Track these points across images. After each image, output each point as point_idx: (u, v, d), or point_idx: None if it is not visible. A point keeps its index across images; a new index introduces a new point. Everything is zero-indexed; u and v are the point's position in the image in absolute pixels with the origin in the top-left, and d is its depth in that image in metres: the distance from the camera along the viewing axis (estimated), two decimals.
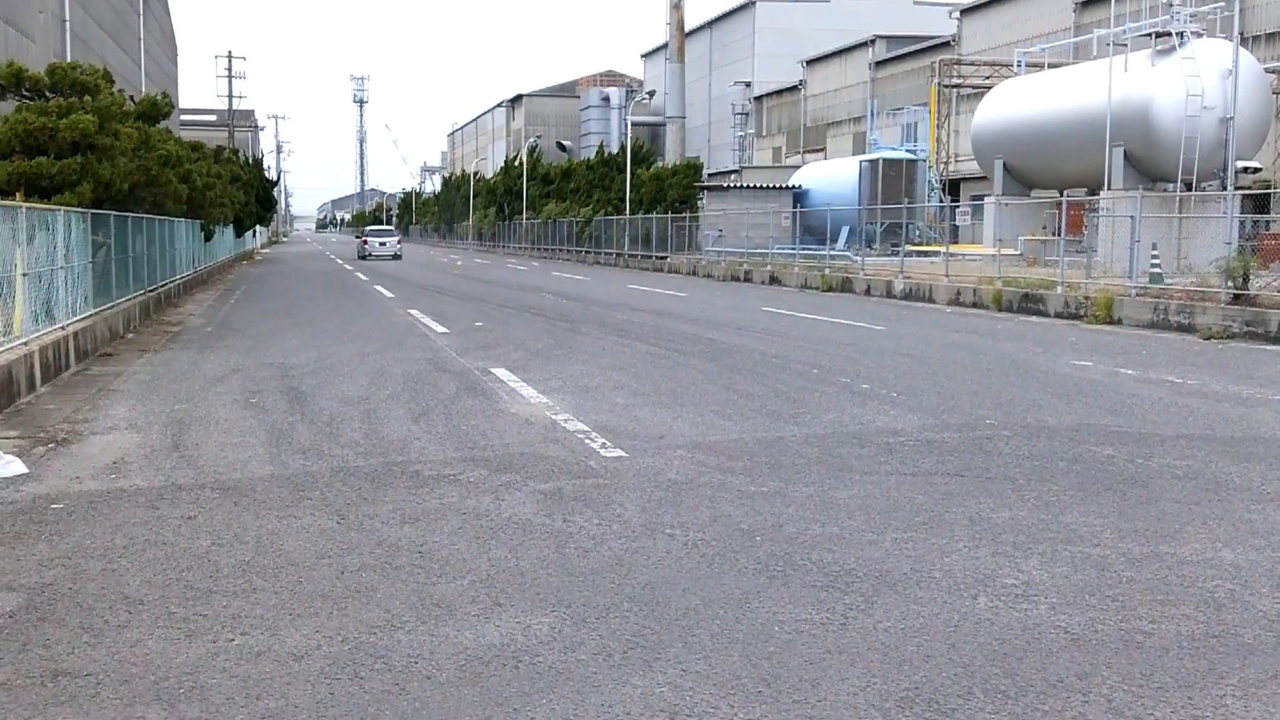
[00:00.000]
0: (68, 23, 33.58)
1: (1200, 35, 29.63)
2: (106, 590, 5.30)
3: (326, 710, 4.01)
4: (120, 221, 18.88)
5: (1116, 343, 16.98)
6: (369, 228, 77.89)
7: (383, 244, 62.21)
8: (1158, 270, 21.44)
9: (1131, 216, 21.98)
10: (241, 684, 4.22)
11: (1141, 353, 15.49)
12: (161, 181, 22.66)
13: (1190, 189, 27.58)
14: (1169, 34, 29.29)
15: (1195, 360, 14.65)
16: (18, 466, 7.82)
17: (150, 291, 22.19)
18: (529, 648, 4.57)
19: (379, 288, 31.90)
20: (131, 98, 25.05)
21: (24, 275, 11.99)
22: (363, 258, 59.69)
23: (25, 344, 11.62)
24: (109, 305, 17.20)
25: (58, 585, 5.37)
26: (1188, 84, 28.31)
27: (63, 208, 14.90)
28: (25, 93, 19.80)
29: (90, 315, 15.44)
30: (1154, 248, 21.88)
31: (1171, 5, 29.46)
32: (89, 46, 36.10)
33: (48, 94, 19.67)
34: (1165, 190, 28.23)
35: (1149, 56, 29.76)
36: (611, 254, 55.24)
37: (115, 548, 5.99)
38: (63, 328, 13.51)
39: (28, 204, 13.48)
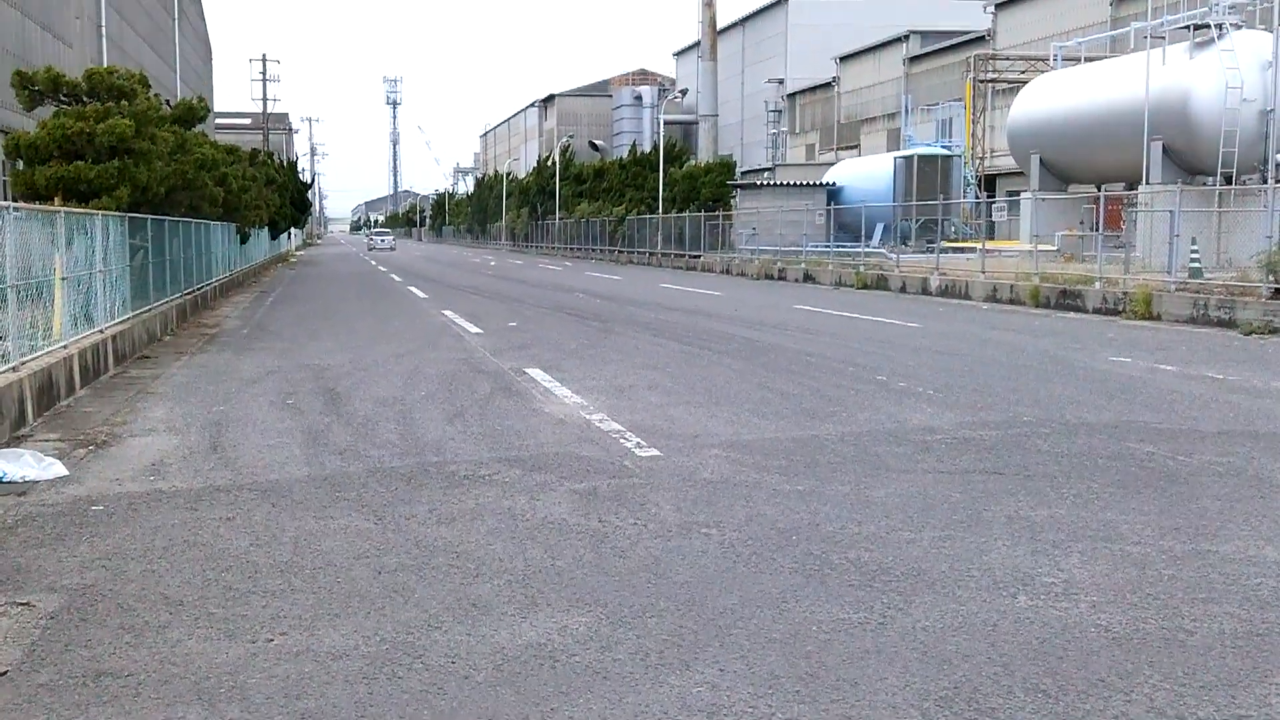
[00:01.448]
0: (104, 28, 33.92)
1: (1239, 27, 29.28)
2: (147, 591, 5.34)
3: (365, 710, 4.02)
4: (157, 225, 19.03)
5: (1156, 338, 16.83)
6: (374, 229, 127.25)
7: (383, 240, 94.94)
8: (1197, 265, 21.20)
9: (1170, 211, 21.78)
10: (281, 684, 4.24)
11: (1181, 348, 15.33)
12: (197, 185, 22.85)
13: (1230, 182, 27.24)
14: (1207, 26, 28.96)
15: (1236, 356, 14.49)
16: (58, 469, 7.89)
17: (187, 294, 22.36)
18: (566, 647, 4.57)
19: (413, 289, 32.03)
20: (167, 102, 25.28)
21: (63, 279, 12.11)
22: (370, 249, 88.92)
23: (65, 347, 11.73)
24: (146, 308, 17.34)
25: (99, 586, 5.42)
26: (1227, 76, 27.97)
27: (100, 212, 15.03)
28: (63, 98, 20.01)
29: (128, 318, 15.58)
30: (1193, 242, 21.64)
31: None
32: (125, 51, 36.44)
33: (85, 99, 19.88)
34: (1204, 184, 27.92)
35: (1187, 49, 29.43)
36: (644, 253, 55.25)
37: (155, 549, 6.03)
38: (101, 331, 13.63)
39: (66, 208, 13.61)
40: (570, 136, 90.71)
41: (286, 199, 52.61)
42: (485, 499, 7.03)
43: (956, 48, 58.85)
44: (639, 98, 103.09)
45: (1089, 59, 37.03)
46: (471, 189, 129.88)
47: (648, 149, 70.84)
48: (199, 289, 24.52)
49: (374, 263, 58.42)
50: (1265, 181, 25.89)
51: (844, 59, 72.61)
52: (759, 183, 54.04)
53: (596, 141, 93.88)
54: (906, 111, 60.12)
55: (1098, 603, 5.06)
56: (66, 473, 7.86)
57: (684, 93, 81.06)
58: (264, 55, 73.78)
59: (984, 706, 3.99)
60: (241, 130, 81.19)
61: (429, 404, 10.80)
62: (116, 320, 14.79)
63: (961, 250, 33.85)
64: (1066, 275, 24.21)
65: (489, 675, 4.31)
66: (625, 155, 69.76)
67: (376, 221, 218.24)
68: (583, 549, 5.93)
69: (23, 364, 10.10)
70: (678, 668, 4.35)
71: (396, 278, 39.75)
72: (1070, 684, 4.18)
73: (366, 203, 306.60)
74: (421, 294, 29.49)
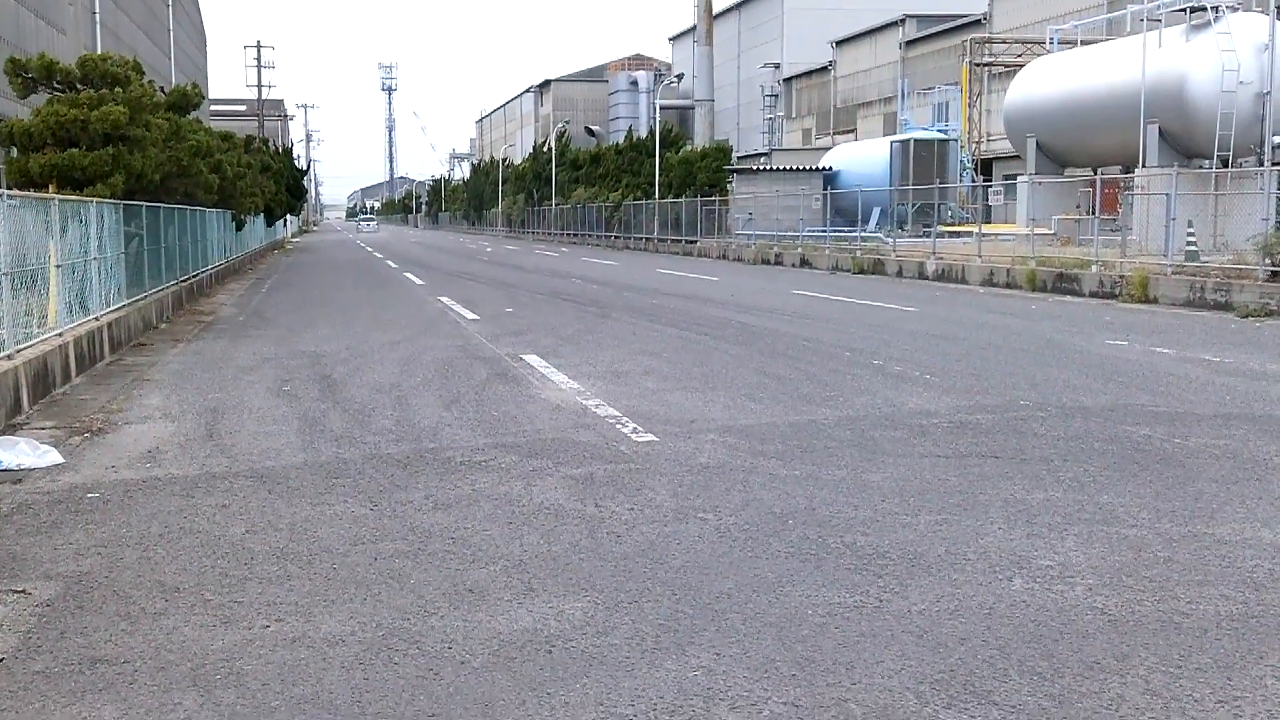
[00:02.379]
0: (97, 15, 33.81)
1: (1235, 9, 29.22)
2: (143, 578, 5.34)
3: (361, 695, 4.02)
4: (152, 212, 18.98)
5: (1152, 322, 16.83)
6: (361, 217, 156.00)
7: (368, 225, 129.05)
8: (1193, 248, 21.20)
9: (1167, 194, 21.77)
10: (277, 670, 4.24)
11: (1178, 331, 15.33)
12: (192, 172, 22.80)
13: (1226, 165, 27.23)
14: (1204, 8, 28.89)
15: (1232, 339, 14.50)
16: (54, 456, 7.88)
17: (183, 281, 22.32)
18: (562, 633, 4.57)
19: (409, 275, 31.99)
20: (162, 89, 25.21)
21: (57, 267, 12.08)
22: (359, 231, 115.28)
23: (60, 335, 11.71)
24: (142, 296, 17.31)
25: (94, 573, 5.41)
26: (1223, 59, 27.92)
27: (95, 199, 15.00)
28: (56, 85, 19.94)
29: (124, 306, 15.55)
30: (1190, 225, 21.64)
31: None
32: (119, 38, 36.33)
33: (79, 86, 19.82)
34: (1201, 167, 27.90)
35: (1183, 32, 29.38)
36: (641, 239, 55.19)
37: (151, 536, 6.03)
38: (96, 318, 13.61)
39: (60, 196, 13.57)
40: (566, 122, 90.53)
41: (282, 186, 52.49)
42: (481, 485, 7.03)
43: (953, 31, 58.74)
44: (635, 83, 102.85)
45: (1085, 42, 36.97)
46: (467, 175, 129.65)
47: (644, 134, 70.64)
48: (195, 276, 24.48)
49: (369, 249, 58.38)
50: (1261, 164, 25.87)
51: (840, 43, 72.46)
52: (755, 167, 53.93)
53: (593, 127, 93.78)
54: (903, 95, 60.01)
55: (1094, 585, 5.06)
56: (62, 460, 7.85)
57: (680, 78, 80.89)
58: (259, 42, 73.59)
59: (979, 689, 4.00)
60: (237, 117, 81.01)
61: (425, 390, 10.79)
62: (112, 308, 14.77)
63: (958, 234, 33.83)
64: (1063, 259, 24.20)
65: (485, 661, 4.31)
66: (621, 141, 69.62)
67: (373, 208, 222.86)
68: (579, 534, 5.93)
69: (17, 352, 10.09)
70: (674, 652, 4.35)
71: (393, 264, 39.69)
72: (1066, 666, 4.18)
73: (362, 189, 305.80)
74: (418, 280, 29.46)
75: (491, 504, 6.57)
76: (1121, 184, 28.96)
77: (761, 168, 52.84)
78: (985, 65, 47.73)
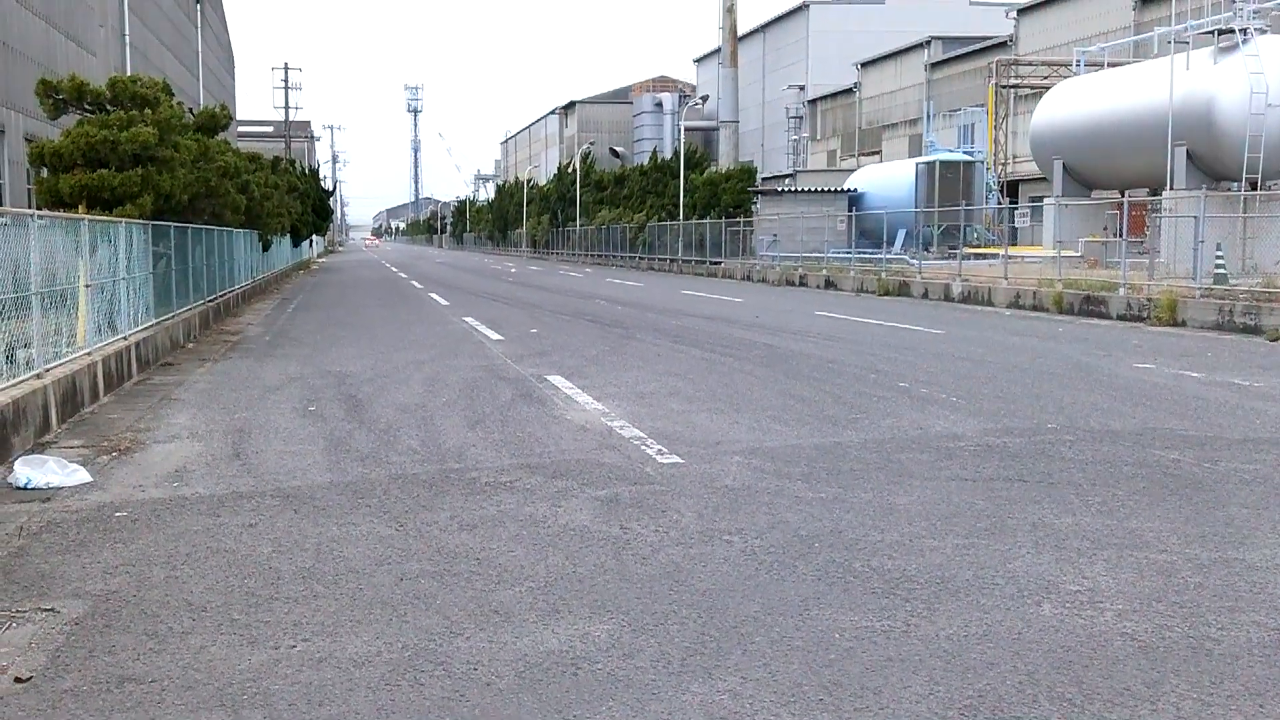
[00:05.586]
0: (127, 36, 34.13)
1: (1264, 31, 29.11)
2: (170, 597, 5.36)
3: (387, 717, 4.01)
4: (180, 232, 19.12)
5: (1180, 345, 16.72)
6: (366, 236, 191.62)
7: (374, 241, 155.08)
8: (1222, 271, 21.08)
9: (1195, 216, 21.64)
10: (303, 690, 4.24)
11: (1206, 355, 15.23)
12: (220, 192, 22.92)
13: (1255, 188, 27.07)
14: (1232, 31, 28.80)
15: (1262, 362, 14.39)
16: (82, 475, 7.93)
17: (210, 301, 22.45)
18: (587, 654, 4.55)
19: (434, 295, 32.09)
20: (190, 110, 25.39)
21: (87, 286, 12.17)
22: (366, 248, 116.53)
23: (88, 354, 11.79)
24: (169, 315, 17.41)
25: (122, 592, 5.43)
26: (1252, 81, 27.81)
27: (124, 219, 15.11)
28: (87, 106, 20.12)
29: (151, 325, 15.65)
30: (1218, 248, 21.52)
31: (1234, 1, 28.97)
32: (148, 59, 36.66)
33: (108, 107, 19.98)
34: (1229, 189, 27.75)
35: (1211, 54, 29.28)
36: (665, 260, 55.24)
37: (178, 555, 6.05)
38: (125, 338, 13.70)
39: (90, 216, 13.69)
40: (591, 143, 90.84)
41: (308, 206, 52.81)
42: (507, 506, 7.03)
43: (979, 53, 58.75)
44: (660, 104, 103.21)
45: (1112, 64, 36.90)
46: (492, 196, 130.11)
47: (668, 155, 70.83)
48: (221, 296, 24.62)
49: (394, 269, 58.63)
50: None
51: (865, 65, 72.56)
52: (780, 189, 53.99)
53: (617, 148, 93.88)
54: (928, 117, 60.01)
55: (1123, 611, 5.02)
56: (90, 479, 7.89)
57: (704, 99, 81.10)
58: (286, 64, 74.29)
59: (1008, 716, 3.96)
60: (264, 138, 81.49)
61: (450, 411, 10.81)
62: (140, 327, 14.86)
63: (984, 256, 33.74)
64: (1090, 281, 24.09)
65: (511, 682, 4.30)
66: (646, 162, 69.78)
67: (397, 229, 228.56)
68: (604, 556, 5.92)
69: (46, 371, 10.15)
70: (700, 675, 4.34)
71: (417, 284, 39.83)
72: (1095, 693, 4.14)
73: (388, 209, 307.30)
74: (442, 301, 29.54)
75: (517, 525, 6.56)
76: (1149, 206, 28.83)
77: (786, 189, 52.89)
78: (1011, 87, 47.69)
